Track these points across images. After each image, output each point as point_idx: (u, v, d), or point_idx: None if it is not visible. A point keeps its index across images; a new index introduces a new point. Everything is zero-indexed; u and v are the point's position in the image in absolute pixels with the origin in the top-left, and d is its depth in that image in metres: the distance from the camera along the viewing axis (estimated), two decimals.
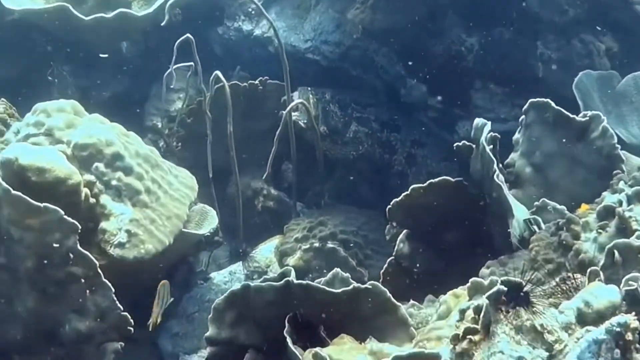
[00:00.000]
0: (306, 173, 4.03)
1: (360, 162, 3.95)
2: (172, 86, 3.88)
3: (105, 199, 2.80)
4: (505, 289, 1.97)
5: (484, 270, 2.65)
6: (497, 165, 2.68)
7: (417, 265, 3.00)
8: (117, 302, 2.60)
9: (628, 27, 3.85)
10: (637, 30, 3.83)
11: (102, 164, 2.81)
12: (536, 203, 2.79)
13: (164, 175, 3.00)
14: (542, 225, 2.66)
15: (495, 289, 1.95)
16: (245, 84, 3.94)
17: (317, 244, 3.70)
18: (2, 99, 3.04)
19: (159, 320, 2.68)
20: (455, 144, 2.98)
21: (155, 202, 2.90)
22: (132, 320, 2.63)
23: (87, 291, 2.59)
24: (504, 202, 2.63)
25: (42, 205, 2.47)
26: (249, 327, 2.47)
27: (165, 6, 3.74)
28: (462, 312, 2.08)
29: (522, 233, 2.68)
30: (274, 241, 3.84)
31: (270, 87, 4.03)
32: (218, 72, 3.52)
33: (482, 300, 1.97)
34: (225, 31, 4.51)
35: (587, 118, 2.81)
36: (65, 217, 2.49)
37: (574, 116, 2.84)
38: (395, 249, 2.99)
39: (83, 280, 2.57)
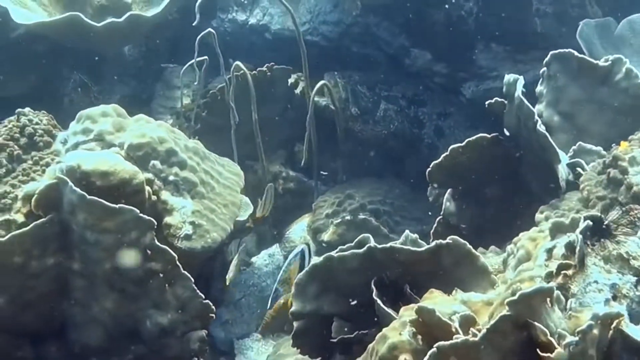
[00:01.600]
0: (318, 152, 4.14)
1: (391, 140, 4.06)
2: (182, 84, 3.93)
3: (165, 194, 2.88)
4: (592, 223, 2.12)
5: (538, 215, 2.78)
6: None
7: (464, 221, 3.12)
8: (198, 290, 2.66)
9: None
10: None
11: (158, 161, 2.88)
12: (573, 147, 2.93)
13: (213, 165, 3.09)
14: (586, 167, 2.80)
15: (584, 224, 2.10)
16: (254, 71, 4.01)
17: (348, 217, 3.82)
18: (43, 111, 3.07)
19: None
20: (487, 102, 3.10)
21: (211, 192, 2.99)
22: (213, 307, 2.71)
23: (166, 285, 2.65)
24: (550, 148, 2.76)
25: (117, 206, 2.53)
26: (333, 296, 2.58)
27: (169, 7, 3.79)
28: (549, 251, 2.22)
29: (567, 177, 2.82)
30: (304, 220, 3.95)
31: (278, 73, 4.13)
32: (238, 62, 3.60)
33: (574, 236, 2.12)
34: (220, 24, 4.57)
35: (610, 62, 2.97)
36: (141, 215, 2.56)
37: (597, 61, 2.98)
38: (443, 207, 3.12)
39: (162, 275, 2.63)
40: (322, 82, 3.65)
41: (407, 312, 2.31)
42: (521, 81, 2.92)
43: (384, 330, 2.27)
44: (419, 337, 2.18)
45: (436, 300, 2.35)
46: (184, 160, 2.94)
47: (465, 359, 1.90)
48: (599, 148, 2.89)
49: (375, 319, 2.53)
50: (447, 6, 3.92)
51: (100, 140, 2.90)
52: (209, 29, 3.54)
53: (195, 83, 3.82)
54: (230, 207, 3.00)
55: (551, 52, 3.09)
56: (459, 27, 3.95)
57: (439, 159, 3.15)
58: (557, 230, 2.28)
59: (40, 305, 2.72)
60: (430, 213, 3.56)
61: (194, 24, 3.60)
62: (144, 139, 2.87)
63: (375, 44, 4.18)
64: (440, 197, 3.22)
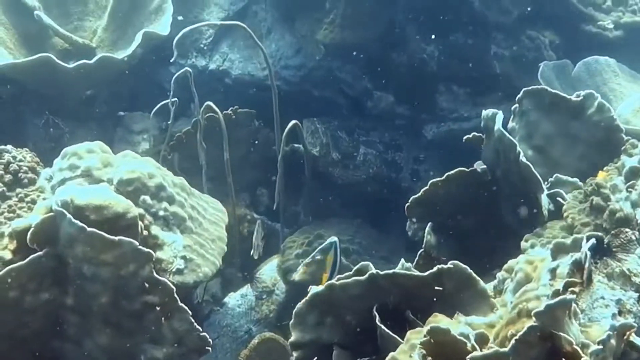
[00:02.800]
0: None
1: (370, 184, 4.14)
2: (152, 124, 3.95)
3: (155, 229, 2.87)
4: (596, 242, 2.22)
5: (524, 244, 2.87)
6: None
7: (444, 254, 3.19)
8: (195, 323, 2.66)
9: (563, 18, 4.22)
10: (572, 20, 4.20)
11: (148, 196, 2.88)
12: (550, 179, 3.05)
13: (198, 201, 3.10)
14: (566, 197, 2.92)
15: (590, 241, 2.20)
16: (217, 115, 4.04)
17: (319, 256, 3.84)
18: (25, 148, 3.05)
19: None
20: (465, 137, 3.20)
21: (199, 228, 2.99)
22: (210, 340, 2.70)
23: (163, 318, 2.64)
24: (533, 178, 2.87)
25: (116, 238, 2.52)
26: (332, 325, 2.60)
27: (138, 50, 3.82)
28: (552, 271, 2.30)
29: (548, 206, 2.93)
30: (273, 261, 3.97)
31: (241, 116, 4.17)
32: (209, 103, 3.63)
33: (580, 254, 2.21)
34: (179, 69, 4.57)
35: (582, 97, 3.11)
36: (140, 247, 2.55)
37: (570, 97, 3.12)
38: (424, 240, 3.18)
39: (158, 308, 2.62)
40: (293, 121, 3.69)
41: (414, 336, 2.36)
42: (500, 115, 3.04)
43: (393, 354, 2.31)
44: (429, 359, 2.22)
45: (441, 324, 2.40)
46: (172, 195, 2.95)
47: None
48: (575, 179, 3.01)
49: (375, 346, 2.57)
50: (409, 49, 4.03)
51: (88, 176, 2.88)
52: (186, 68, 3.57)
53: (169, 122, 3.82)
54: (218, 242, 3.01)
55: (524, 89, 3.22)
56: (421, 70, 4.07)
57: (418, 194, 3.23)
58: (558, 251, 2.37)
59: (33, 343, 2.68)
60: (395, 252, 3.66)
61: (171, 60, 3.63)
62: (134, 174, 2.87)
63: (336, 87, 4.27)
64: (419, 231, 3.28)
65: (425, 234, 3.20)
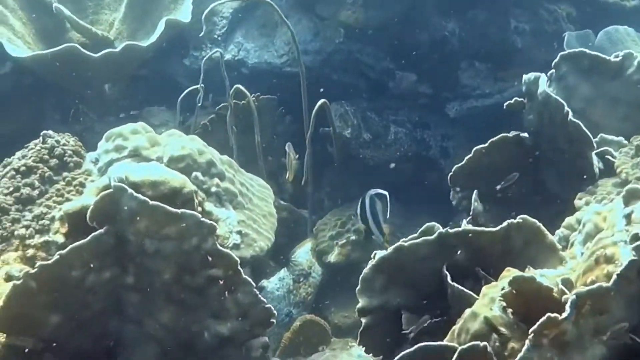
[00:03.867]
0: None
1: (403, 162, 4.13)
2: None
3: (209, 205, 2.84)
4: None
5: (577, 202, 2.88)
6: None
7: (491, 220, 3.18)
8: (259, 295, 2.62)
9: None
10: None
11: (200, 172, 2.85)
12: (594, 140, 3.05)
13: (245, 178, 3.07)
14: (615, 154, 2.92)
15: None
16: (243, 102, 4.02)
17: (353, 237, 3.84)
18: (67, 133, 3.01)
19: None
20: (506, 103, 3.21)
21: (250, 203, 2.97)
22: (275, 312, 2.66)
23: (226, 292, 2.60)
24: (584, 137, 2.87)
25: (179, 211, 2.48)
26: (400, 288, 2.59)
27: (162, 35, 3.79)
28: (627, 216, 2.30)
29: (598, 165, 2.94)
30: (307, 244, 3.94)
31: (263, 103, 4.15)
32: (239, 85, 3.61)
33: None
34: (193, 61, 4.55)
35: (621, 57, 3.13)
36: (203, 219, 2.51)
37: (609, 58, 3.14)
38: (472, 208, 3.18)
39: (222, 282, 2.58)
40: (322, 101, 3.67)
41: (491, 290, 2.34)
42: (544, 78, 3.05)
43: (472, 309, 2.29)
44: (509, 310, 2.20)
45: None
46: (222, 171, 2.92)
47: (597, 305, 1.94)
48: (620, 138, 3.02)
49: (443, 308, 2.55)
50: (429, 28, 4.04)
51: (136, 155, 2.84)
52: (217, 50, 3.53)
53: (199, 104, 3.78)
54: (269, 217, 2.98)
55: (560, 54, 3.23)
56: (442, 47, 4.07)
57: (462, 162, 3.22)
58: (631, 197, 2.37)
59: (93, 325, 2.60)
60: None
61: (200, 35, 3.60)
62: (184, 150, 2.84)
63: (356, 69, 4.25)
64: (463, 200, 3.29)
65: (472, 202, 3.20)
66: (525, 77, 3.12)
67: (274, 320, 2.70)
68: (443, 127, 4.21)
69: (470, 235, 2.48)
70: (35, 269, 2.45)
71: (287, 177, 3.61)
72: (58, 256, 2.46)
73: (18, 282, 2.46)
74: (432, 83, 4.16)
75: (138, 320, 2.67)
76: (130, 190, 2.48)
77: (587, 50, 3.16)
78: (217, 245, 2.56)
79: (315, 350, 3.54)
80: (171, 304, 2.62)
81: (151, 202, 2.48)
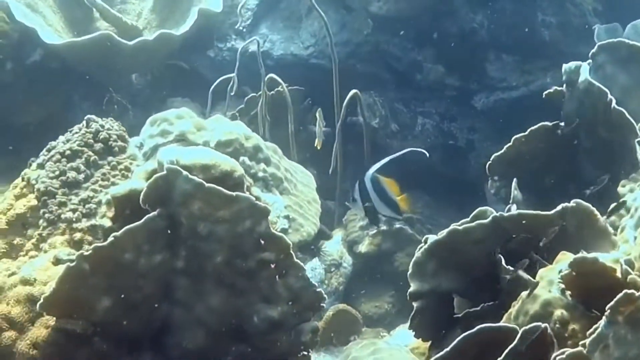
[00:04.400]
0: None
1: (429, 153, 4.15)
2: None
3: (256, 190, 2.84)
4: None
5: (621, 189, 2.89)
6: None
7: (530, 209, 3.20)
8: (310, 279, 2.62)
9: None
10: None
11: (247, 157, 2.85)
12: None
13: (289, 164, 3.08)
14: None
15: None
16: (272, 92, 4.02)
17: (384, 227, 3.85)
18: (110, 117, 3.00)
19: None
20: (545, 92, 3.23)
21: (294, 189, 2.98)
22: (325, 296, 2.66)
23: (277, 276, 2.60)
24: (628, 124, 2.89)
25: (234, 194, 2.48)
26: (451, 272, 2.61)
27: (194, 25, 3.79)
28: None
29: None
30: (337, 234, 3.95)
31: (292, 94, 4.15)
32: (273, 75, 3.61)
33: None
34: (218, 53, 4.56)
35: None
36: (257, 202, 2.51)
37: None
38: (512, 196, 3.18)
39: (273, 265, 2.58)
40: (354, 91, 3.67)
41: (548, 273, 2.37)
42: (586, 66, 3.07)
43: (531, 290, 2.30)
44: (568, 292, 2.22)
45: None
46: (268, 157, 2.93)
47: None
48: None
49: (494, 292, 2.56)
50: (458, 19, 4.06)
51: (183, 140, 2.85)
52: (255, 38, 3.54)
53: (232, 94, 3.79)
54: (313, 203, 2.99)
55: (598, 44, 3.25)
56: (471, 39, 4.09)
57: (501, 151, 3.24)
58: None
59: (143, 309, 2.58)
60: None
61: (237, 27, 3.60)
62: (232, 135, 2.85)
63: (382, 61, 4.27)
64: (501, 189, 3.30)
65: (512, 190, 3.20)
66: (565, 66, 3.14)
67: (324, 305, 2.70)
68: (470, 119, 4.21)
69: (524, 219, 2.49)
70: (89, 251, 2.44)
71: (315, 144, 3.56)
72: (112, 238, 2.45)
73: (71, 265, 2.45)
74: (460, 75, 4.17)
75: (186, 304, 2.65)
76: (185, 173, 2.47)
77: (626, 40, 3.17)
78: (271, 228, 2.55)
79: (347, 340, 3.55)
80: (221, 288, 2.61)
81: (207, 185, 2.47)
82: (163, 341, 2.68)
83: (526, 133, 3.18)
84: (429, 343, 2.84)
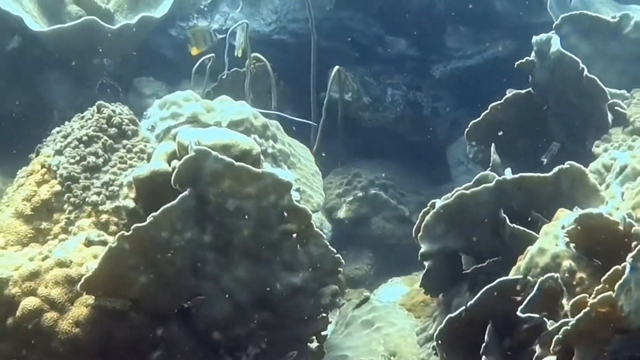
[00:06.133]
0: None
1: (398, 123, 4.37)
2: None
3: (266, 166, 3.00)
4: None
5: (595, 149, 3.18)
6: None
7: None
8: (330, 246, 2.82)
9: None
10: None
11: (257, 135, 3.01)
12: None
13: (289, 140, 3.25)
14: (623, 105, 3.25)
15: None
16: (242, 69, 4.15)
17: (360, 193, 4.08)
18: (118, 102, 3.12)
19: None
20: (517, 62, 3.48)
21: (299, 163, 3.15)
22: (343, 260, 2.86)
23: (299, 245, 2.78)
24: (598, 90, 3.17)
25: (260, 170, 2.65)
26: (458, 233, 2.85)
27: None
28: None
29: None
30: None
31: (260, 70, 4.29)
32: (257, 54, 3.76)
33: None
34: (180, 32, 4.65)
35: (618, 18, 3.45)
36: (280, 177, 2.68)
37: (608, 18, 3.45)
38: (491, 160, 3.44)
39: (295, 235, 2.76)
40: (337, 67, 3.86)
41: (551, 228, 2.61)
42: (557, 38, 3.32)
43: (539, 245, 2.55)
44: (572, 245, 2.47)
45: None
46: (275, 133, 3.09)
47: None
48: (623, 91, 3.34)
49: (498, 250, 2.82)
50: None
51: (194, 121, 2.98)
52: (244, 20, 3.68)
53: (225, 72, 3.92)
54: (316, 175, 3.17)
55: (561, 16, 3.53)
56: (430, 12, 4.32)
57: (478, 118, 3.49)
58: None
59: (174, 284, 2.73)
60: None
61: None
62: (242, 115, 2.99)
63: (345, 36, 4.44)
64: (479, 153, 3.55)
65: (491, 154, 3.45)
66: (536, 37, 3.39)
67: (342, 269, 2.90)
68: (433, 88, 4.45)
69: (524, 180, 2.75)
70: (130, 232, 2.58)
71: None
72: (152, 218, 2.60)
73: (113, 245, 2.58)
74: (420, 47, 4.39)
75: (214, 277, 2.81)
76: (214, 153, 2.62)
77: (588, 12, 3.46)
78: (293, 201, 2.73)
79: None
80: (247, 259, 2.77)
81: (237, 164, 2.63)
82: (190, 314, 2.83)
83: (501, 101, 3.44)
84: (419, 298, 3.08)
